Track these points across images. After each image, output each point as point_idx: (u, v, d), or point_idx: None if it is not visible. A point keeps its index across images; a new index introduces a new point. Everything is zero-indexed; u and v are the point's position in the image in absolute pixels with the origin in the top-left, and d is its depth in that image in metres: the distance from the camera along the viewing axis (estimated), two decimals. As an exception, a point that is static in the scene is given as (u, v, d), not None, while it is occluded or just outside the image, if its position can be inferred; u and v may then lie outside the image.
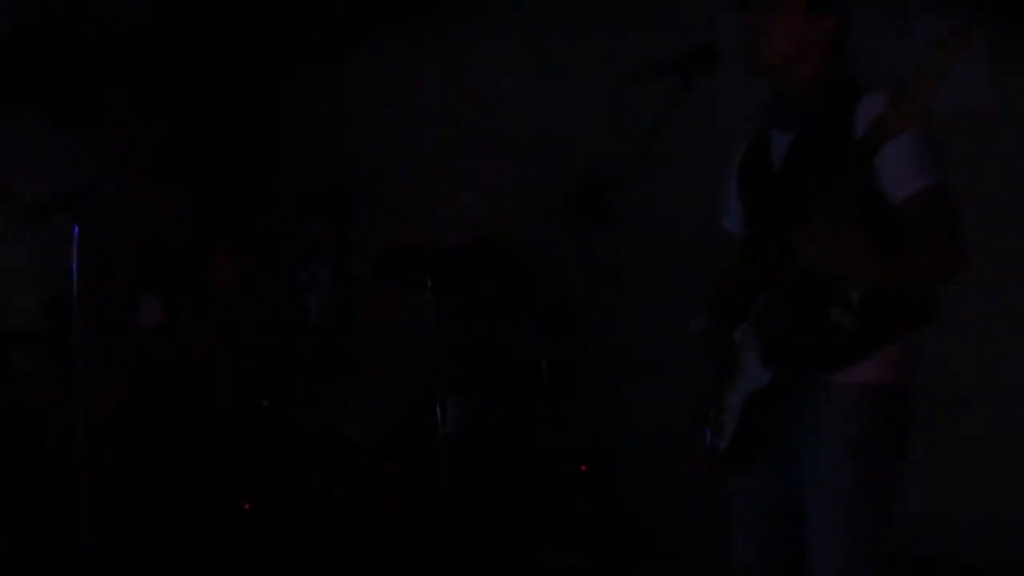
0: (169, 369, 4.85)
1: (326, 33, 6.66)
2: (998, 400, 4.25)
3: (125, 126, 6.88)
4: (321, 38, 6.74)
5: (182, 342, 4.83)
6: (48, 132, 6.60)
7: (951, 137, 3.86)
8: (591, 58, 5.40)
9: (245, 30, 6.52)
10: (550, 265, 5.47)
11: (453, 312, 5.41)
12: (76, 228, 3.95)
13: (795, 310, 2.41)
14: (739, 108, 3.01)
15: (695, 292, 2.94)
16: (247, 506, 4.83)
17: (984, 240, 3.94)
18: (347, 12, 6.32)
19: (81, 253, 3.95)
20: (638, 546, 4.88)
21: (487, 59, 6.15)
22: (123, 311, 5.11)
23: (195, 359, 4.86)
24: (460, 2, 6.07)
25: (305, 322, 5.83)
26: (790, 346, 2.43)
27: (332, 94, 7.26)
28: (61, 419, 4.78)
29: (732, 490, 2.70)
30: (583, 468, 4.85)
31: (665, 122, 2.37)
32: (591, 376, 5.21)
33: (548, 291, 5.30)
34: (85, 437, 3.94)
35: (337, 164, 7.06)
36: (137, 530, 4.81)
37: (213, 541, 4.80)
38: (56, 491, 5.01)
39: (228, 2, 6.04)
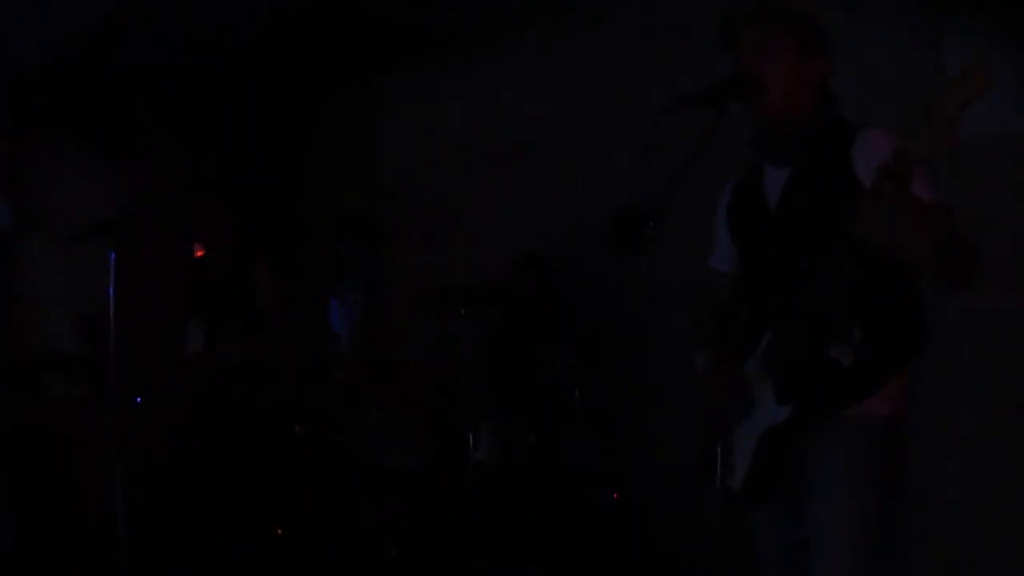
0: (211, 396, 4.87)
1: (359, 61, 6.71)
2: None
3: (161, 153, 6.96)
4: (354, 66, 6.79)
5: (224, 368, 4.86)
6: (85, 159, 6.67)
7: (983, 162, 3.87)
8: (623, 86, 5.41)
9: (279, 59, 6.57)
10: (583, 293, 5.47)
11: (485, 340, 5.42)
12: (112, 254, 4.00)
13: (801, 348, 2.42)
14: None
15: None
16: (280, 531, 4.84)
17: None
18: (380, 40, 6.36)
19: (119, 278, 3.99)
20: (670, 573, 4.86)
21: (518, 86, 6.17)
22: (171, 338, 5.14)
23: (237, 384, 4.89)
24: (491, 30, 6.09)
25: (338, 347, 5.86)
26: (803, 382, 2.44)
27: (365, 121, 7.30)
28: (96, 443, 4.81)
29: (754, 523, 2.71)
30: (615, 495, 4.84)
31: (701, 152, 2.37)
32: (623, 404, 5.20)
33: (581, 319, 5.30)
34: (120, 462, 3.97)
35: (369, 191, 7.10)
36: (172, 555, 4.83)
37: (247, 564, 4.82)
38: (92, 515, 5.05)
39: (261, 32, 6.09)
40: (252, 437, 4.90)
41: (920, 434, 2.60)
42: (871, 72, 4.19)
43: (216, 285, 4.96)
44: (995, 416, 4.10)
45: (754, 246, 2.69)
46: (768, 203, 2.61)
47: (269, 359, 4.91)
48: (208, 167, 6.93)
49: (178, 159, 6.99)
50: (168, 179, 6.80)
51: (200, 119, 7.09)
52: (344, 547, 4.91)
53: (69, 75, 6.22)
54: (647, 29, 5.35)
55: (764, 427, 2.52)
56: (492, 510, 4.73)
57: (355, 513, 4.96)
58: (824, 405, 2.45)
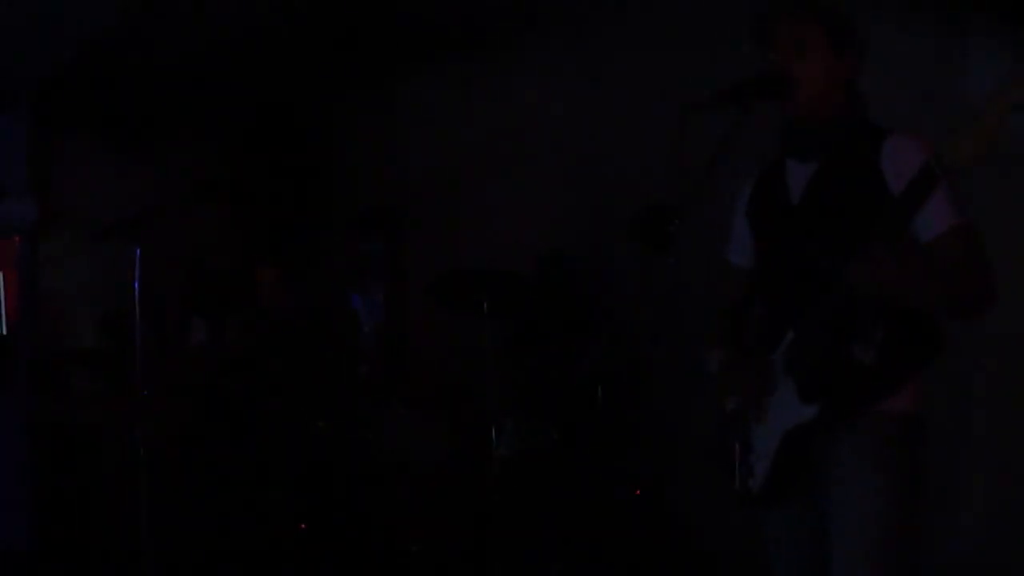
0: (216, 388, 4.91)
1: (379, 58, 6.72)
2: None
3: (184, 151, 7.00)
4: (374, 63, 6.81)
5: (227, 360, 4.90)
6: (109, 157, 6.72)
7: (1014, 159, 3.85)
8: (645, 84, 5.40)
9: (299, 57, 6.59)
10: (605, 290, 5.47)
11: (508, 336, 5.41)
12: (138, 250, 4.02)
13: (826, 348, 2.42)
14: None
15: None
16: (303, 526, 4.86)
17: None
18: (401, 38, 6.37)
19: (142, 275, 4.02)
20: (692, 572, 4.86)
21: (541, 83, 6.17)
22: (176, 332, 5.19)
23: (241, 377, 4.92)
24: (513, 26, 6.09)
25: (360, 344, 5.87)
26: (830, 381, 2.44)
27: (385, 118, 7.31)
28: (120, 438, 4.84)
29: (768, 523, 2.70)
30: (637, 492, 4.83)
31: (727, 150, 2.37)
32: (646, 401, 5.20)
33: (604, 316, 5.30)
34: (144, 456, 3.99)
35: (391, 188, 7.11)
36: (194, 549, 4.86)
37: (270, 559, 4.84)
38: (114, 511, 5.08)
39: (282, 30, 6.11)
40: (269, 432, 4.93)
41: (941, 433, 2.60)
42: (893, 79, 4.17)
43: (216, 283, 5.01)
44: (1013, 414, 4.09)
45: (775, 241, 2.68)
46: (791, 198, 2.60)
47: (274, 354, 4.94)
48: (210, 169, 6.97)
49: (199, 157, 7.03)
50: (190, 177, 6.85)
51: (221, 117, 7.13)
52: (367, 542, 4.92)
53: (91, 77, 6.25)
54: (672, 27, 5.33)
55: (788, 426, 2.50)
56: (514, 506, 4.73)
57: (378, 509, 4.98)
58: (850, 404, 2.45)
